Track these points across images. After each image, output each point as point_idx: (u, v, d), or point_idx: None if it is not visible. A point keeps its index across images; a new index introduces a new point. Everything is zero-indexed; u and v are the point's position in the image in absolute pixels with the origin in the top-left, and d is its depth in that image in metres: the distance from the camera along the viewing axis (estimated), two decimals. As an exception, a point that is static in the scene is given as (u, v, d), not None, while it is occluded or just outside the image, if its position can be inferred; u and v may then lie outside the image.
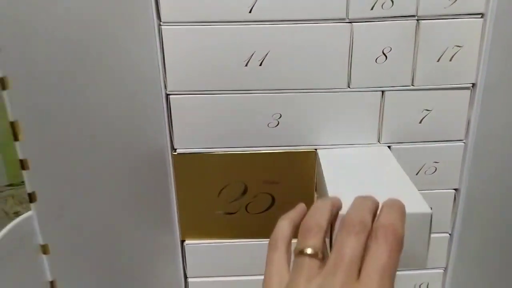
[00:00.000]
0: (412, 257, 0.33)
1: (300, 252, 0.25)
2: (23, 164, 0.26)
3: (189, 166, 0.43)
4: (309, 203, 0.31)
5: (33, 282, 0.28)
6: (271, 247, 0.29)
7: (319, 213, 0.27)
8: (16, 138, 0.25)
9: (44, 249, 0.28)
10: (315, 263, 0.24)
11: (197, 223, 0.46)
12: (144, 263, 0.42)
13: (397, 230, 0.24)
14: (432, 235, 0.33)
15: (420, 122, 0.42)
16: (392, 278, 0.23)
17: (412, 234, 0.32)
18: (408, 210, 0.29)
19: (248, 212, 0.45)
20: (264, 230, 0.46)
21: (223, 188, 0.44)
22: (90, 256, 0.33)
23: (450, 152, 0.43)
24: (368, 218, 0.26)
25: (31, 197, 0.26)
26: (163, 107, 0.41)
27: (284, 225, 0.30)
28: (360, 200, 0.28)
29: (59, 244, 0.29)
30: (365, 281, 0.22)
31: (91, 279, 0.34)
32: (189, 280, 0.48)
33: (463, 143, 0.43)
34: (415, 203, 0.33)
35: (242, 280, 0.48)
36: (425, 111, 0.42)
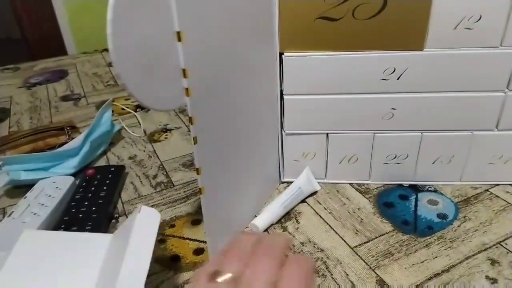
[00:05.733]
0: None
1: None
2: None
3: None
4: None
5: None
6: None
7: None
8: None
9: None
10: None
11: (297, 32, 0.42)
12: (244, 77, 0.40)
13: None
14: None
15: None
16: None
17: None
18: None
19: (354, 18, 0.40)
20: (371, 40, 0.42)
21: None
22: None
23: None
24: None
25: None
26: None
27: None
28: None
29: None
30: None
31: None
32: (285, 97, 0.46)
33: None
34: None
35: (342, 99, 0.45)
36: None
